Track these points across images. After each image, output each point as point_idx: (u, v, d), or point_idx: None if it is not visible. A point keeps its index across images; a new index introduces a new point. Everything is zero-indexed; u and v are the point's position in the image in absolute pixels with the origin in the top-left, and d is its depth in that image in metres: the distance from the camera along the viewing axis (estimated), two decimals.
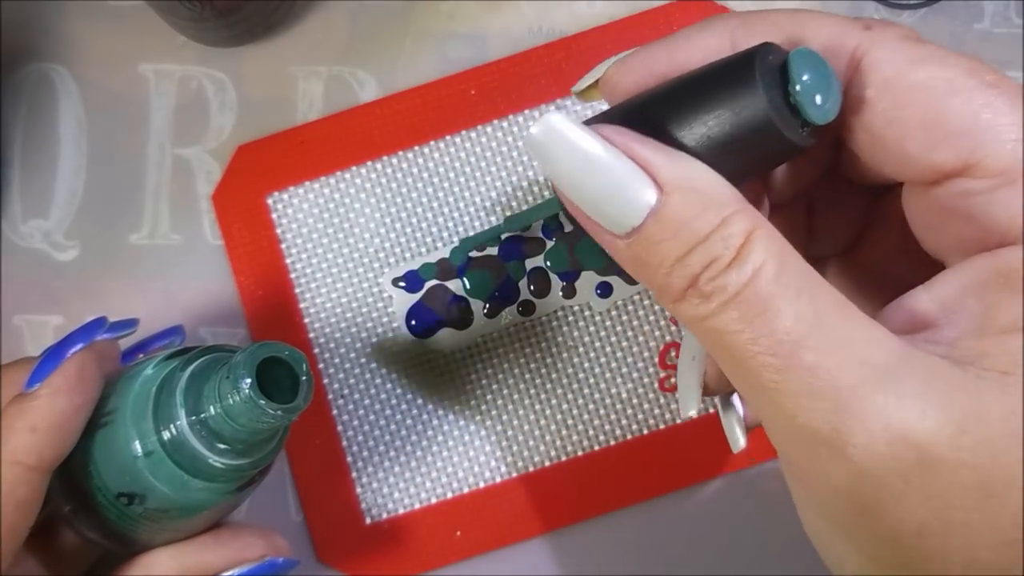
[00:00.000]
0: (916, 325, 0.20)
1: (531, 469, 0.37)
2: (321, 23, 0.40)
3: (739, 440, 0.25)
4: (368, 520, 0.37)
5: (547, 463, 0.37)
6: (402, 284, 0.38)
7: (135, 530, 0.27)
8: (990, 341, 0.19)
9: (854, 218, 0.26)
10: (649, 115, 0.21)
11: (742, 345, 0.19)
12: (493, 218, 0.38)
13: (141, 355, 0.32)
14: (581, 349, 0.38)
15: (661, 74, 0.22)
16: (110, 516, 0.27)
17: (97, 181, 0.39)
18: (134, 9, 0.39)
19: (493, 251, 0.38)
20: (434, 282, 0.38)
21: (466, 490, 0.37)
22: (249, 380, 0.25)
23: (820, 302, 0.19)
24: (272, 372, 0.26)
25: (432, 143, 0.38)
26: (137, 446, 0.26)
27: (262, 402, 0.25)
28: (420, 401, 0.37)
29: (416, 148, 0.38)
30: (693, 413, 0.26)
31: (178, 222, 0.39)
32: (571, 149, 0.20)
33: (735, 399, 0.26)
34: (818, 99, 0.20)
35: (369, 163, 0.38)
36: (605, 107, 0.23)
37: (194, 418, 0.26)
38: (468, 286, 0.37)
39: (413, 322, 0.37)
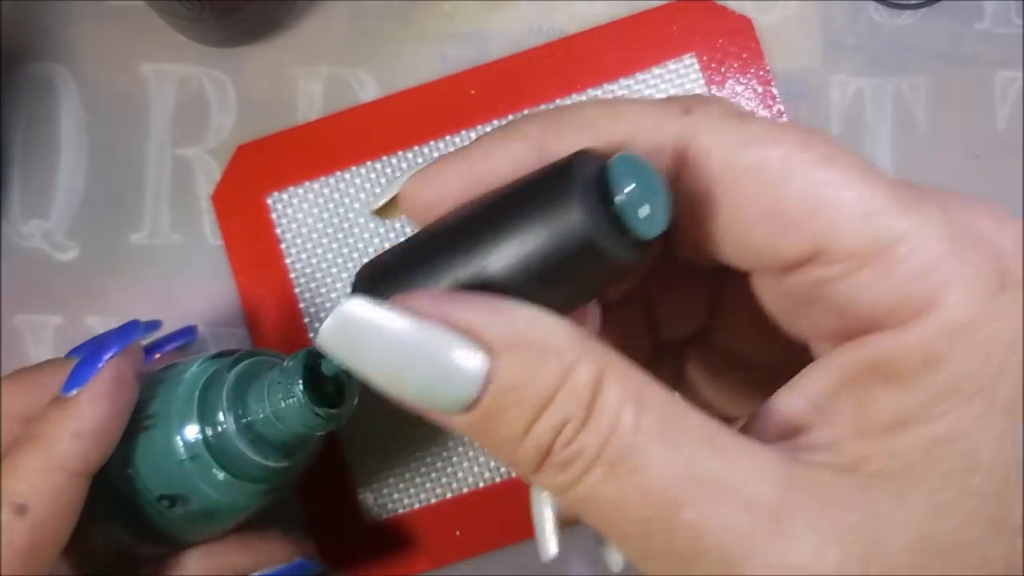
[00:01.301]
0: (790, 430, 0.19)
1: None
2: (321, 23, 0.40)
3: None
4: (368, 520, 0.37)
5: None
6: None
7: (170, 531, 0.28)
8: (871, 442, 0.17)
9: (699, 301, 0.24)
10: (457, 249, 0.18)
11: (613, 511, 0.17)
12: None
13: (157, 355, 0.32)
14: None
15: (464, 188, 0.20)
16: (148, 518, 0.27)
17: (97, 181, 0.39)
18: (134, 9, 0.39)
19: None
20: None
21: (466, 490, 0.37)
22: (302, 385, 0.25)
23: (689, 444, 0.17)
24: (315, 377, 0.26)
25: (432, 143, 0.38)
26: (182, 449, 0.26)
27: (314, 407, 0.25)
28: None
29: (416, 148, 0.38)
30: (554, 551, 0.22)
31: (178, 222, 0.39)
32: (376, 340, 0.17)
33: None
34: (644, 210, 0.17)
35: (369, 163, 0.38)
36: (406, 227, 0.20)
37: (242, 421, 0.26)
38: None
39: None
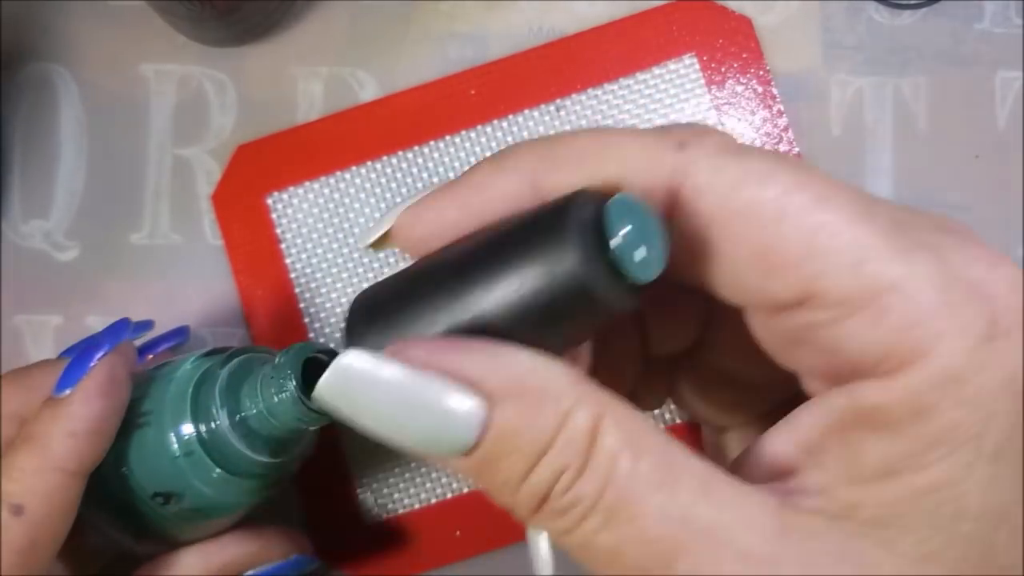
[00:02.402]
0: (781, 471, 0.19)
1: None
2: (321, 23, 0.40)
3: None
4: (368, 520, 0.37)
5: None
6: None
7: (165, 529, 0.28)
8: (862, 489, 0.18)
9: (691, 320, 0.24)
10: (453, 289, 0.18)
11: (610, 558, 0.18)
12: None
13: (150, 356, 0.32)
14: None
15: (457, 223, 0.20)
16: (143, 516, 0.27)
17: (97, 181, 0.39)
18: (134, 9, 0.39)
19: None
20: None
21: (466, 490, 0.37)
22: (294, 380, 0.25)
23: (684, 489, 0.17)
24: (306, 373, 0.26)
25: (432, 143, 0.38)
26: (176, 446, 0.26)
27: (306, 401, 0.25)
28: None
29: (416, 148, 0.38)
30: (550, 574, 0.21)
31: (178, 222, 0.39)
32: (377, 391, 0.18)
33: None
34: (642, 253, 0.17)
35: (369, 163, 0.38)
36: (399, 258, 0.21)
37: (236, 417, 0.26)
38: None
39: None
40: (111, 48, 0.40)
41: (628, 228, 0.17)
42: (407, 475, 0.37)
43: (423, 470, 0.37)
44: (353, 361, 0.18)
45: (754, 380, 0.22)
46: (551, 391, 0.17)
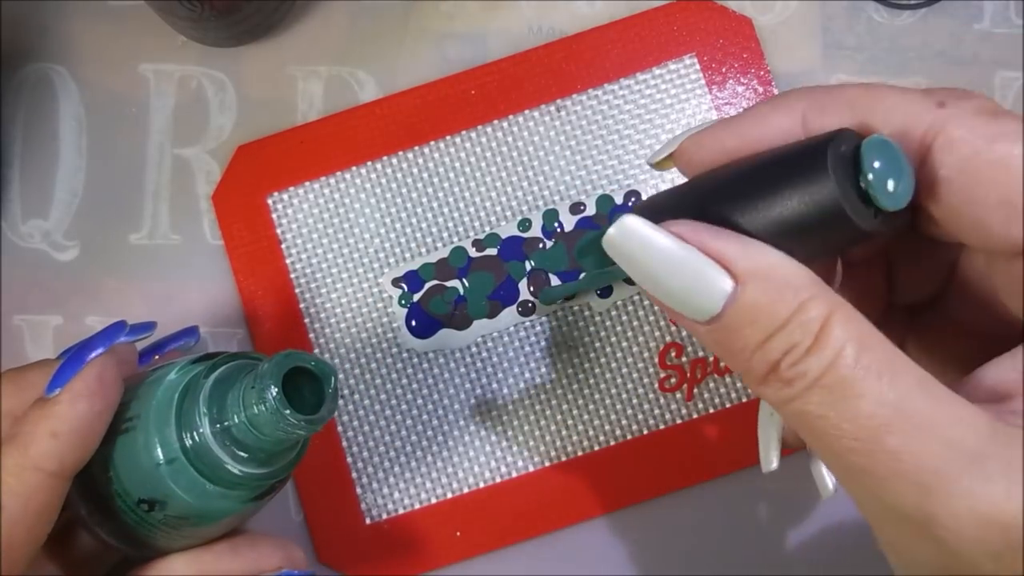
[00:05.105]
0: (1000, 394, 0.20)
1: (531, 469, 0.37)
2: (321, 23, 0.40)
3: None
4: (368, 520, 0.37)
5: (547, 463, 0.37)
6: (402, 284, 0.38)
7: (153, 535, 0.27)
8: None
9: (937, 271, 0.26)
10: (722, 198, 0.21)
11: (826, 429, 0.19)
12: (493, 218, 0.38)
13: (157, 356, 0.32)
14: (581, 349, 0.38)
15: (733, 151, 0.23)
16: (129, 521, 0.27)
17: (97, 181, 0.39)
18: (134, 9, 0.39)
19: (493, 251, 0.38)
20: (434, 282, 0.38)
21: (466, 490, 0.37)
22: (275, 390, 0.25)
23: (902, 383, 0.19)
24: (295, 382, 0.25)
25: (432, 143, 0.38)
26: (159, 453, 0.26)
27: (287, 412, 0.25)
28: (420, 401, 0.37)
29: (416, 148, 0.38)
30: (775, 466, 0.26)
31: (178, 222, 0.39)
32: (647, 249, 0.21)
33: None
34: (890, 186, 0.20)
35: (369, 163, 0.38)
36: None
37: (218, 426, 0.26)
38: (468, 286, 0.37)
39: (413, 322, 0.37)
40: (111, 48, 0.40)
41: (880, 163, 0.20)
42: (407, 475, 0.37)
43: (423, 470, 0.37)
44: (632, 221, 0.21)
45: (987, 333, 0.23)
46: (793, 282, 0.20)
